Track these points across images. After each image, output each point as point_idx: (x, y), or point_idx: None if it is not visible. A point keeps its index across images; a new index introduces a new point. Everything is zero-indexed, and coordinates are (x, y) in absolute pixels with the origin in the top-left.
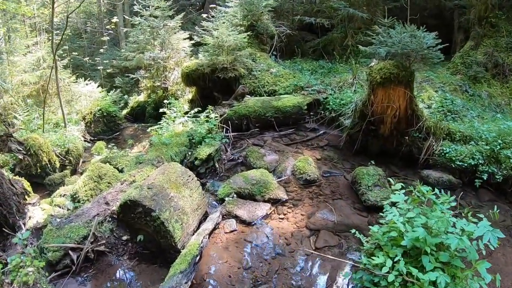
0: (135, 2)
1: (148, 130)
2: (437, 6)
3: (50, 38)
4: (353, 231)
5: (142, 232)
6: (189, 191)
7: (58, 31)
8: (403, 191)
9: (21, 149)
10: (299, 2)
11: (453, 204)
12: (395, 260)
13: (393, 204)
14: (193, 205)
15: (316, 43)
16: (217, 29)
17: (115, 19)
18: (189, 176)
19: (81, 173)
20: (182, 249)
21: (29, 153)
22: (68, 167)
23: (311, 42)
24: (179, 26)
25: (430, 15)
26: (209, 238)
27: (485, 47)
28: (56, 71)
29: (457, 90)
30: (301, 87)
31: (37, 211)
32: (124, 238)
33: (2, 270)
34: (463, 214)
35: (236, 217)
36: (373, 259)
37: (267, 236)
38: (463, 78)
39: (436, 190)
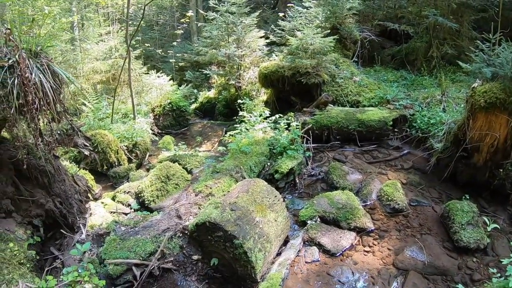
0: None
1: (227, 135)
2: None
3: (123, 28)
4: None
5: (216, 255)
6: (275, 214)
7: (130, 22)
8: None
9: (87, 144)
10: (377, 7)
11: None
12: None
13: None
14: (277, 231)
15: (395, 51)
16: (302, 30)
17: (189, 13)
18: (275, 196)
19: (148, 169)
20: (261, 279)
21: (96, 150)
22: (134, 160)
23: (388, 49)
24: (254, 24)
25: None
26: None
27: None
28: (129, 62)
29: None
30: (387, 100)
31: (99, 208)
32: (195, 257)
33: (57, 284)
34: None
35: (319, 245)
36: None
37: (352, 272)
38: None
39: None
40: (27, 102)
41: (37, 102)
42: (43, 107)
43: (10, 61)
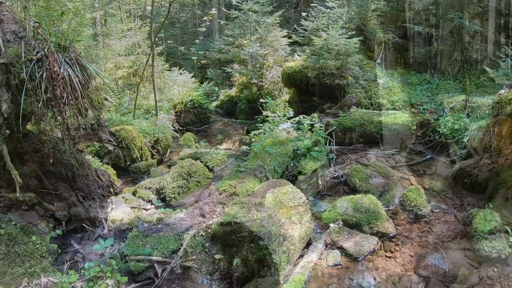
0: None
1: (251, 134)
2: None
3: (145, 24)
4: None
5: (239, 255)
6: (299, 216)
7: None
8: None
9: (112, 140)
10: (402, 9)
11: None
12: None
13: None
14: (301, 233)
15: (420, 54)
16: (326, 30)
17: (212, 11)
18: (300, 198)
19: (169, 165)
20: (284, 281)
21: (120, 145)
22: (155, 156)
23: (411, 52)
24: (277, 23)
25: None
26: None
27: None
28: (152, 58)
29: None
30: (411, 104)
31: (120, 203)
32: (217, 256)
33: (78, 279)
34: None
35: (341, 248)
36: None
37: (374, 277)
38: None
39: None
40: (55, 96)
41: (65, 96)
42: (71, 102)
43: (39, 54)
